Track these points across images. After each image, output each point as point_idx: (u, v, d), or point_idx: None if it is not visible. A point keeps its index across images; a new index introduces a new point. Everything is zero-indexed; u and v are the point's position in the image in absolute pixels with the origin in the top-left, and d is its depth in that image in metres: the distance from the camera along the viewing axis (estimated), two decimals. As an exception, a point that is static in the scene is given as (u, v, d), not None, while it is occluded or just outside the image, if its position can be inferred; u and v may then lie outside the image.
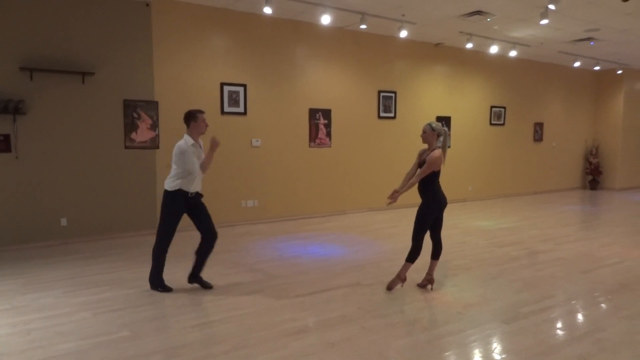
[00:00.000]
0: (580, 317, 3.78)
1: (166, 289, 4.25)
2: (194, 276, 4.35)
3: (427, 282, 4.38)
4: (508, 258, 5.51)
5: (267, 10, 6.57)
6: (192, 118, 4.17)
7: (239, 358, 3.00)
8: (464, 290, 4.34)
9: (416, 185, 4.27)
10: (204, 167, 4.19)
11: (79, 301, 3.98)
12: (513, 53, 9.44)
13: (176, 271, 4.86)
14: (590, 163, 12.83)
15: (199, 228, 4.33)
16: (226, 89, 7.14)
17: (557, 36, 8.74)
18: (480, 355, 3.10)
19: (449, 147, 4.31)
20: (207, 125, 4.23)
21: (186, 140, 4.13)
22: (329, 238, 6.58)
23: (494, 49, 9.18)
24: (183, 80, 6.80)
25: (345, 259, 5.45)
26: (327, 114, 8.20)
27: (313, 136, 8.10)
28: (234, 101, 7.23)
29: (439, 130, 4.23)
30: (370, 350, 3.12)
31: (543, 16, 6.75)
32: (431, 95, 9.60)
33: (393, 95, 9.00)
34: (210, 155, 4.23)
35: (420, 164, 4.27)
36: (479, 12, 7.17)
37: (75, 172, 6.10)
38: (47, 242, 5.94)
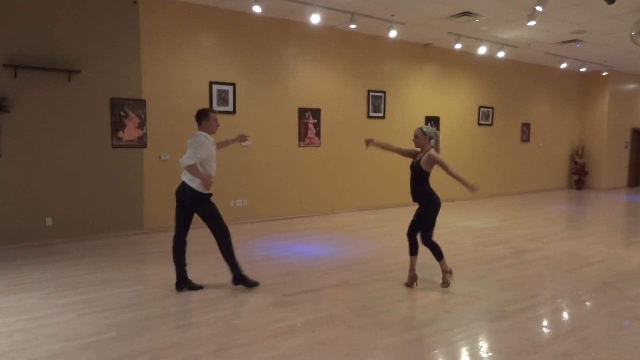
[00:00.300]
0: (565, 315, 3.83)
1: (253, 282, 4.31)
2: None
3: (412, 280, 4.42)
4: (495, 257, 5.56)
5: (257, 9, 6.55)
6: (204, 117, 4.19)
7: (227, 359, 2.98)
8: (452, 289, 4.37)
9: (410, 190, 4.33)
10: (219, 145, 4.44)
11: (63, 302, 3.93)
12: (501, 54, 9.53)
13: (164, 271, 4.83)
14: (576, 163, 13.01)
15: (187, 226, 4.31)
16: (215, 87, 7.10)
17: (544, 37, 8.85)
18: (467, 353, 3.13)
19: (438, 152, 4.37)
20: (218, 125, 4.27)
21: (204, 135, 4.13)
22: (317, 238, 6.58)
23: (482, 50, 9.25)
24: (171, 78, 6.75)
25: (334, 258, 5.46)
26: (316, 113, 8.20)
27: (302, 136, 8.09)
28: (222, 100, 7.19)
29: (430, 134, 4.30)
30: (358, 349, 3.12)
31: (530, 18, 6.83)
32: (420, 95, 9.65)
33: (382, 95, 9.03)
34: (230, 142, 4.60)
35: (414, 165, 4.30)
36: (467, 13, 7.22)
37: (60, 171, 6.02)
38: (31, 243, 5.85)
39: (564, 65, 11.07)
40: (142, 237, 6.47)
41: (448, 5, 6.88)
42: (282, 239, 6.47)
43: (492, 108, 11.03)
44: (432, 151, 4.23)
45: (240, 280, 4.31)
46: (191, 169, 3.99)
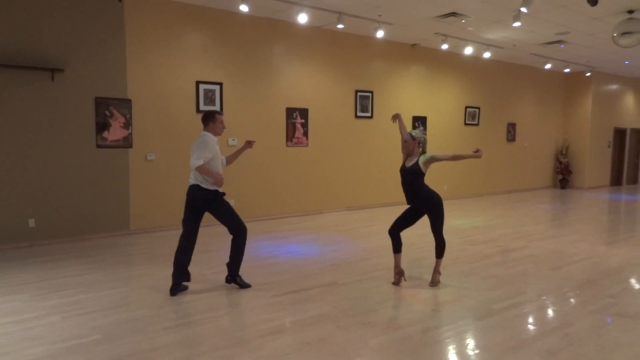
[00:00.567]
0: (549, 312, 3.89)
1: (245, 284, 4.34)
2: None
3: (399, 277, 4.45)
4: (481, 256, 5.62)
5: (244, 8, 6.52)
6: (211, 119, 4.19)
7: (215, 359, 2.97)
8: (439, 287, 4.41)
9: (407, 195, 4.38)
10: (229, 160, 4.46)
11: (48, 304, 3.87)
12: (487, 54, 9.63)
13: (152, 272, 4.78)
14: (561, 163, 13.21)
15: (197, 229, 4.29)
16: (202, 87, 7.05)
17: (529, 38, 8.96)
18: (454, 351, 3.16)
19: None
20: (224, 127, 4.28)
21: (209, 136, 4.13)
22: (305, 237, 6.58)
23: (468, 50, 9.34)
24: (157, 77, 6.69)
25: (322, 258, 5.46)
26: (304, 113, 8.20)
27: (290, 135, 8.08)
28: (209, 100, 7.15)
29: (419, 138, 4.35)
30: (346, 349, 3.13)
31: (516, 19, 6.91)
32: (407, 95, 9.70)
33: (370, 95, 9.06)
34: (239, 153, 4.49)
35: (408, 169, 4.33)
36: (454, 14, 7.28)
37: (44, 172, 5.92)
38: (14, 244, 5.74)
39: (548, 66, 11.23)
40: (128, 238, 6.41)
41: (435, 6, 6.93)
42: (270, 239, 6.45)
43: (479, 108, 11.14)
44: (429, 153, 4.36)
45: (235, 280, 4.30)
46: (201, 169, 4.00)
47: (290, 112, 8.04)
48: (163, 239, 6.33)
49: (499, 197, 11.26)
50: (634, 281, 4.76)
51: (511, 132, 12.03)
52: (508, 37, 8.90)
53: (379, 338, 3.31)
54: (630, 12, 7.02)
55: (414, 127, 9.75)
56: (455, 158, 4.41)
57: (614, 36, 7.17)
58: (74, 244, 5.97)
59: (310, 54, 8.18)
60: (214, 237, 6.20)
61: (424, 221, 4.49)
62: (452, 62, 10.35)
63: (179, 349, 3.10)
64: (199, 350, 3.09)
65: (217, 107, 7.19)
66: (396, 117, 4.70)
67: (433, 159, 4.28)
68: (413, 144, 4.33)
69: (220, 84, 7.22)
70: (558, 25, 7.98)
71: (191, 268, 4.62)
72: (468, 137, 10.97)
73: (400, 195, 4.53)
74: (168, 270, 4.67)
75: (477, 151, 4.17)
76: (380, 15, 7.41)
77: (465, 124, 10.91)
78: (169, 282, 4.22)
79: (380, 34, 7.71)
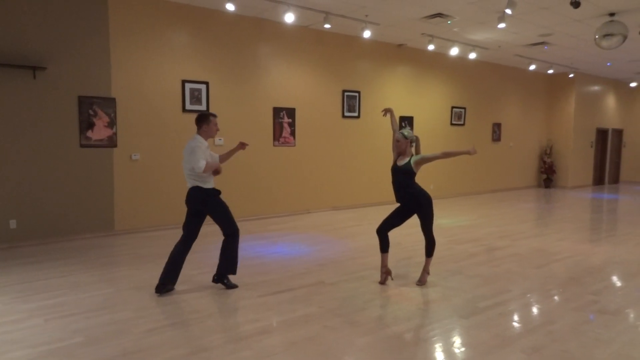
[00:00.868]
0: (533, 310, 3.94)
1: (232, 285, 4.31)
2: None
3: (386, 276, 4.47)
4: (467, 255, 5.67)
5: (230, 6, 6.49)
6: (205, 121, 4.16)
7: (200, 361, 2.95)
8: (425, 286, 4.43)
9: (397, 193, 4.38)
10: (222, 159, 4.41)
11: (29, 307, 3.80)
12: (472, 55, 9.73)
13: (136, 273, 4.72)
14: (545, 162, 13.40)
15: (197, 233, 4.25)
16: (188, 86, 6.99)
17: (514, 40, 9.08)
18: (441, 349, 3.18)
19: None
20: (218, 130, 4.26)
21: (199, 140, 4.10)
22: (292, 237, 6.57)
23: (454, 51, 9.42)
24: (142, 76, 6.61)
25: (309, 258, 5.46)
26: (291, 112, 8.18)
27: (277, 135, 8.05)
28: (195, 99, 7.09)
29: (411, 137, 4.38)
30: (333, 348, 3.13)
31: (500, 20, 6.99)
32: (394, 95, 9.74)
33: (357, 94, 9.08)
34: (232, 153, 4.46)
35: (400, 168, 4.34)
36: (439, 15, 7.34)
37: (25, 172, 5.81)
38: (-5, 246, 5.63)
39: (532, 67, 11.39)
40: (112, 238, 6.32)
41: (421, 7, 6.98)
42: (257, 239, 6.43)
43: (465, 108, 11.24)
44: (420, 153, 4.41)
45: (222, 280, 4.27)
46: (206, 168, 4.03)
47: (277, 111, 8.01)
48: (148, 239, 6.26)
49: (485, 197, 11.38)
50: (615, 279, 4.85)
51: (496, 132, 12.16)
52: (493, 38, 9.00)
53: (366, 337, 3.31)
54: (612, 14, 7.16)
55: (401, 127, 9.79)
56: (446, 155, 4.41)
57: (595, 38, 7.30)
58: (56, 245, 5.87)
59: (297, 53, 8.17)
60: (200, 238, 6.14)
61: (411, 221, 4.51)
62: (439, 63, 10.43)
63: (162, 351, 3.06)
64: (184, 351, 3.06)
65: (203, 107, 7.13)
66: (387, 111, 4.72)
67: (424, 160, 4.30)
68: (405, 143, 4.35)
69: (207, 83, 7.16)
70: (541, 27, 8.10)
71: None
72: (454, 137, 11.07)
73: (388, 195, 4.55)
74: (153, 271, 4.64)
75: (471, 152, 4.14)
76: (366, 16, 7.43)
77: (452, 124, 11.00)
78: (154, 283, 4.18)
79: (367, 34, 7.74)
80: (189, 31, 6.98)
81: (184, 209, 4.26)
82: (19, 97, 5.69)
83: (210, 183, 4.18)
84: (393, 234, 4.57)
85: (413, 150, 4.45)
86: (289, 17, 6.84)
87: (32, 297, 4.03)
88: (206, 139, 4.18)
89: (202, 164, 3.99)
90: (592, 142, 14.13)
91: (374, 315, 3.75)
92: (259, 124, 7.82)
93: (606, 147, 14.78)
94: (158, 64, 6.73)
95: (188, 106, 7.00)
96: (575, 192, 12.76)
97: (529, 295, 4.27)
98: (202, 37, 7.12)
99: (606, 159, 14.87)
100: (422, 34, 8.57)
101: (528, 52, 10.25)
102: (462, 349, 3.16)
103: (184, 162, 4.12)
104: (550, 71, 12.26)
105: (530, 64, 11.12)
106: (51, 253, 5.51)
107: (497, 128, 12.16)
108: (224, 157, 4.48)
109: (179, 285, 4.29)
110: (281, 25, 7.76)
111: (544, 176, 13.49)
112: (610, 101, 14.67)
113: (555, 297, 4.23)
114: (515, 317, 3.74)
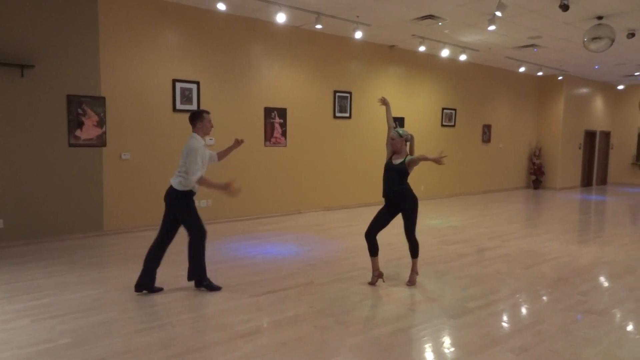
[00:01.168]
0: (522, 310, 3.97)
1: (215, 287, 4.23)
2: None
3: (378, 278, 4.48)
4: (457, 255, 5.70)
5: (221, 6, 6.46)
6: (198, 118, 4.14)
7: (189, 362, 2.93)
8: (415, 287, 4.45)
9: (388, 190, 4.37)
10: (220, 156, 4.44)
11: (15, 308, 3.75)
12: (463, 57, 9.79)
13: (125, 274, 4.68)
14: (534, 164, 13.53)
15: (172, 232, 4.19)
16: (178, 85, 6.95)
17: (504, 42, 9.15)
18: (430, 349, 3.19)
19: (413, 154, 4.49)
20: (212, 126, 4.24)
21: (197, 139, 4.07)
22: (283, 238, 6.56)
23: (445, 53, 9.47)
24: (133, 75, 6.56)
25: (300, 258, 5.45)
26: (282, 113, 8.17)
27: (268, 135, 8.04)
28: (186, 98, 7.05)
29: (406, 136, 4.38)
30: (323, 348, 3.13)
31: (490, 22, 7.04)
32: (386, 96, 9.71)
33: (348, 95, 9.09)
34: (229, 151, 4.47)
35: (395, 166, 4.35)
36: (430, 16, 7.37)
37: (13, 171, 5.73)
38: (-19, 246, 5.55)
39: (522, 69, 11.49)
40: (101, 239, 6.26)
41: (412, 9, 7.01)
42: (248, 239, 6.41)
43: (455, 110, 11.31)
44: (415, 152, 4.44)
45: (202, 284, 4.23)
46: (201, 182, 4.02)
47: (268, 111, 8.00)
48: (137, 239, 6.21)
49: (474, 197, 11.46)
50: (603, 279, 4.91)
51: (486, 133, 12.26)
52: (483, 40, 9.07)
53: (355, 337, 3.32)
54: (600, 17, 7.25)
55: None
56: (425, 158, 4.30)
57: (584, 41, 7.39)
58: (44, 245, 5.80)
59: (288, 53, 8.16)
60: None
61: (399, 221, 4.52)
62: (430, 64, 10.48)
63: (151, 352, 3.04)
64: (173, 352, 3.04)
65: (194, 107, 7.09)
66: (383, 101, 4.70)
67: (413, 162, 4.30)
68: (400, 142, 4.36)
69: (198, 83, 7.13)
70: (531, 30, 8.18)
71: (165, 270, 4.55)
72: (445, 138, 11.13)
73: (380, 195, 4.54)
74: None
75: (442, 156, 4.04)
76: (358, 17, 7.45)
77: (442, 125, 11.06)
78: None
79: (358, 34, 7.75)
80: (180, 30, 6.95)
81: (174, 209, 4.22)
82: (5, 96, 5.62)
83: (191, 187, 4.10)
84: (384, 235, 4.59)
85: (407, 148, 4.45)
86: (281, 17, 6.83)
87: (19, 297, 3.98)
88: (203, 137, 4.16)
89: (198, 175, 3.99)
90: (580, 143, 14.29)
91: (364, 316, 3.75)
92: (250, 124, 7.80)
93: (594, 149, 14.96)
94: (148, 62, 6.68)
95: (179, 106, 6.96)
96: (563, 193, 12.90)
97: (518, 295, 4.31)
98: (193, 37, 7.08)
99: (594, 160, 15.05)
100: (413, 35, 8.61)
101: (518, 54, 10.34)
102: (452, 349, 3.18)
103: (182, 159, 4.05)
104: (540, 73, 12.39)
105: (520, 66, 11.22)
106: (39, 253, 5.44)
107: (487, 129, 12.25)
108: (222, 154, 4.48)
109: (168, 287, 4.26)
110: (273, 25, 7.74)
111: (533, 177, 13.62)
112: (599, 103, 14.86)
113: (544, 298, 4.27)
114: (504, 317, 3.77)
